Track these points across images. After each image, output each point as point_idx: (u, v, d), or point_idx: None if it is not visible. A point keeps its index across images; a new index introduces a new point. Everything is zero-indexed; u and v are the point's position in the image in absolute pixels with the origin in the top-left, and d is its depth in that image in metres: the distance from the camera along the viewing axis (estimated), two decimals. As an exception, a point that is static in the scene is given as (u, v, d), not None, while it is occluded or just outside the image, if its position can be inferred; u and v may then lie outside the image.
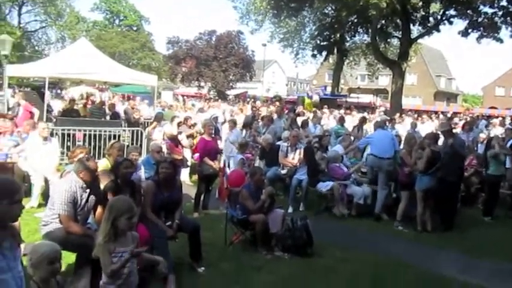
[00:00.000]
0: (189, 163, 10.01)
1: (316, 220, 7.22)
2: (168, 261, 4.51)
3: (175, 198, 5.10)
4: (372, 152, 8.17)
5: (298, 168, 8.28)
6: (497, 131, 13.78)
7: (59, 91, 30.76)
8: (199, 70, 42.69)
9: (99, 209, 4.53)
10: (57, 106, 15.92)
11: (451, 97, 60.04)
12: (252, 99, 34.43)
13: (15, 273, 2.21)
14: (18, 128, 8.23)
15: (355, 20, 30.08)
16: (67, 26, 52.10)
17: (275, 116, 12.57)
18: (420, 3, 25.56)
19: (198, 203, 7.57)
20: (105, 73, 12.92)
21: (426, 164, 7.08)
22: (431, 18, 26.74)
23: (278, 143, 9.37)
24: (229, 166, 8.79)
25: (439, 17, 26.36)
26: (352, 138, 10.58)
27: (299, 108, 19.97)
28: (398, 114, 19.31)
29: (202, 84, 44.46)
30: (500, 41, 24.81)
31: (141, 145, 10.86)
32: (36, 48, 52.33)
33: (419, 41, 30.35)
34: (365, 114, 19.74)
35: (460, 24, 31.78)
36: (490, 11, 24.38)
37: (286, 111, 16.83)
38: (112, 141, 7.86)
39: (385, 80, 49.62)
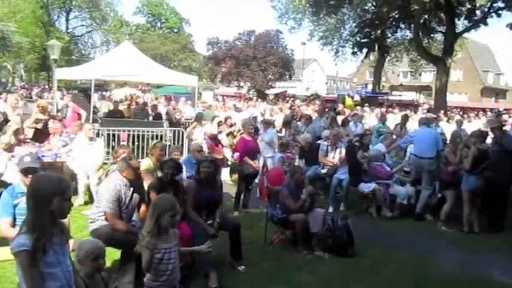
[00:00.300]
0: (229, 162, 10.10)
1: (357, 220, 7.11)
2: (209, 259, 4.60)
3: (216, 197, 5.16)
4: (413, 152, 7.96)
5: (339, 168, 8.17)
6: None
7: (104, 93, 31.83)
8: (238, 70, 42.93)
9: (142, 207, 4.65)
10: (105, 108, 16.43)
11: (499, 93, 57.45)
12: (292, 98, 34.31)
13: (64, 267, 2.30)
14: (67, 129, 8.58)
15: (397, 16, 29.32)
16: (111, 30, 53.93)
17: (315, 115, 12.45)
18: (466, -3, 24.66)
19: (239, 202, 7.63)
20: (148, 75, 13.25)
21: (472, 163, 6.82)
22: (477, 11, 25.66)
23: (318, 141, 9.28)
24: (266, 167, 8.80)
25: (486, 9, 25.26)
26: (394, 136, 10.34)
27: (339, 107, 19.72)
28: (443, 112, 18.69)
29: (241, 84, 44.71)
30: (553, 33, 23.51)
31: (182, 145, 11.06)
32: (83, 52, 54.44)
33: (464, 35, 29.18)
34: (407, 112, 19.24)
35: (509, 16, 30.32)
36: (541, 2, 23.15)
37: (327, 109, 16.66)
38: (154, 141, 8.05)
39: (428, 76, 48.12)
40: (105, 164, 7.95)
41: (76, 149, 7.60)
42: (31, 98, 26.31)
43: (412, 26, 27.44)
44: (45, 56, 39.82)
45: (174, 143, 11.17)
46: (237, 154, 8.46)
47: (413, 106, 29.72)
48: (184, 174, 6.49)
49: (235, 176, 8.69)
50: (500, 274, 5.29)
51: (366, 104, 24.73)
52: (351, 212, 7.51)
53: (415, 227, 7.19)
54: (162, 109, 15.59)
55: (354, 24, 33.79)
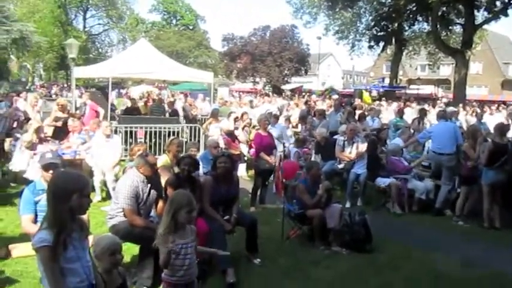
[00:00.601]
0: (245, 158, 10.12)
1: (375, 215, 7.06)
2: (226, 255, 4.62)
3: (232, 192, 5.18)
4: (431, 148, 7.85)
5: (356, 163, 8.11)
6: None
7: (121, 90, 32.15)
8: (254, 66, 42.90)
9: (160, 203, 4.70)
10: (124, 105, 16.53)
11: (521, 86, 56.19)
12: (308, 93, 34.15)
13: (84, 262, 2.34)
14: (86, 127, 8.70)
15: (414, 8, 28.89)
16: (127, 28, 54.48)
17: (330, 110, 12.38)
18: (486, -13, 24.15)
19: (255, 198, 7.64)
20: (164, 72, 13.35)
21: (488, 157, 6.70)
22: (498, 2, 25.11)
23: (335, 137, 9.23)
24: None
25: (506, 0, 24.69)
26: (412, 131, 10.22)
27: (356, 101, 19.57)
28: (462, 106, 18.39)
29: (257, 79, 44.67)
30: None
31: (198, 141, 11.13)
32: (100, 50, 55.10)
33: (484, 26, 28.59)
34: (425, 106, 18.97)
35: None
36: None
37: (343, 104, 16.55)
38: (171, 137, 8.11)
39: (447, 69, 47.30)
40: (122, 161, 8.04)
41: (94, 146, 7.70)
42: (50, 96, 26.78)
43: (430, 18, 27.01)
44: (64, 55, 40.44)
45: (190, 140, 11.24)
46: (253, 150, 8.47)
47: (432, 100, 29.29)
48: (201, 170, 6.53)
49: (252, 172, 8.70)
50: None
51: (383, 98, 24.49)
52: (368, 207, 7.45)
53: (434, 222, 7.10)
54: (180, 106, 15.69)
55: (370, 18, 33.42)
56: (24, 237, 4.80)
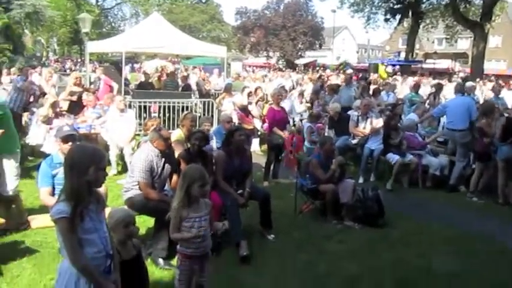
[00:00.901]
0: (259, 133, 10.13)
1: (388, 191, 7.07)
2: (239, 228, 4.69)
3: (246, 166, 5.20)
4: (445, 124, 7.75)
5: (370, 138, 8.06)
6: None
7: (135, 65, 32.14)
8: (267, 40, 42.48)
9: (174, 177, 4.76)
10: (140, 80, 16.51)
11: (541, 59, 54.69)
12: (322, 68, 33.77)
13: (101, 233, 2.40)
14: (100, 101, 8.77)
15: (433, -21, 28.09)
16: (140, 2, 54.02)
17: (343, 85, 12.23)
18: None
19: (268, 172, 7.67)
20: (177, 46, 13.26)
21: (503, 132, 6.60)
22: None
23: (349, 112, 9.16)
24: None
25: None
26: (427, 106, 10.08)
27: (371, 76, 19.31)
28: (479, 80, 18.02)
29: (270, 54, 44.25)
30: None
31: (212, 116, 11.14)
32: (113, 24, 54.96)
33: (505, -2, 27.75)
34: (442, 80, 18.64)
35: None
36: None
37: (357, 79, 16.35)
38: (185, 112, 8.12)
39: (465, 43, 46.18)
40: (137, 135, 8.12)
41: (109, 121, 7.77)
42: (65, 71, 26.94)
43: (449, -11, 26.24)
44: (77, 30, 40.46)
45: (204, 114, 11.25)
46: (266, 124, 8.46)
47: (448, 74, 28.76)
48: (214, 144, 6.56)
49: (265, 147, 8.72)
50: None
51: (398, 73, 24.11)
52: (381, 182, 7.43)
53: (448, 198, 7.07)
54: (194, 80, 15.66)
55: (387, -10, 32.60)
56: (43, 209, 4.92)
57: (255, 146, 9.62)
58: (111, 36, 21.86)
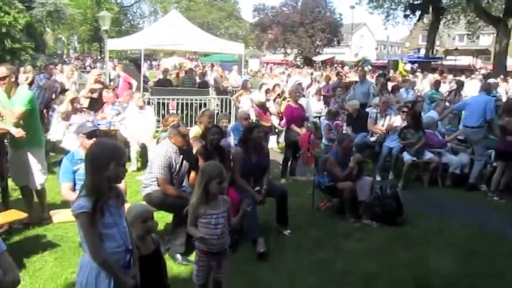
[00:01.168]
0: (276, 130, 10.11)
1: (407, 189, 6.99)
2: (256, 225, 4.70)
3: (263, 163, 5.20)
4: (463, 121, 7.69)
5: (388, 136, 7.98)
6: None
7: (153, 62, 32.40)
8: (285, 37, 42.31)
9: (192, 174, 4.78)
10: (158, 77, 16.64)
11: None
12: (340, 65, 33.51)
13: (121, 228, 2.43)
14: (119, 98, 8.87)
15: (454, -26, 27.54)
16: (158, 0, 54.39)
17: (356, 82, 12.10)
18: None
19: (286, 169, 7.66)
20: (195, 43, 13.34)
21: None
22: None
23: (367, 109, 9.08)
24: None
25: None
26: (447, 104, 9.92)
27: (390, 73, 19.08)
28: (502, 77, 17.64)
29: (288, 51, 44.08)
30: None
31: (229, 112, 11.17)
32: (132, 22, 55.50)
33: (530, -7, 27.01)
34: (462, 77, 18.29)
35: None
36: None
37: (375, 75, 16.17)
38: (203, 109, 8.16)
39: (487, 39, 45.18)
40: (156, 131, 8.19)
41: (128, 118, 7.86)
42: (85, 68, 27.31)
43: (471, -16, 25.71)
44: (97, 28, 40.98)
45: (221, 111, 11.30)
46: (283, 121, 8.44)
47: (469, 71, 28.22)
48: (232, 141, 6.58)
49: (283, 144, 8.71)
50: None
51: (418, 70, 23.77)
52: (399, 180, 7.35)
53: (468, 197, 6.95)
54: (209, 77, 15.71)
55: (407, -15, 32.10)
56: (64, 204, 5.01)
57: (273, 143, 9.61)
58: (130, 34, 22.10)
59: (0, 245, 2.09)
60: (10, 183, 5.16)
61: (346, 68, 29.02)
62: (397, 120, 8.05)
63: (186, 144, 4.70)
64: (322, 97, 11.85)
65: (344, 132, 8.35)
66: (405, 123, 7.86)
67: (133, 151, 7.67)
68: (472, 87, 12.28)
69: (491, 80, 12.14)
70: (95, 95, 8.78)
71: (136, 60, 15.46)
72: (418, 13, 31.95)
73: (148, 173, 4.70)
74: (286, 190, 5.35)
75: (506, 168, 6.88)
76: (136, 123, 7.72)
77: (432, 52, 33.95)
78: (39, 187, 5.16)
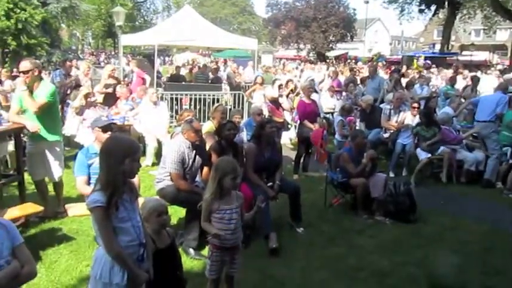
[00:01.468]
0: (289, 126, 10.09)
1: (421, 186, 6.93)
2: (269, 220, 4.71)
3: (276, 159, 5.21)
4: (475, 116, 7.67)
5: (401, 132, 7.90)
6: None
7: (166, 58, 32.50)
8: (298, 32, 42.03)
9: (205, 169, 4.81)
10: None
11: None
12: (353, 60, 33.26)
13: (134, 222, 2.45)
14: (133, 94, 8.93)
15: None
16: (172, -5, 54.58)
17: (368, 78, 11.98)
18: None
19: (298, 165, 7.65)
20: (209, 39, 13.35)
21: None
22: None
23: (381, 105, 9.01)
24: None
25: None
26: (462, 100, 9.79)
27: (404, 69, 18.87)
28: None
29: (301, 46, 43.85)
30: None
31: (242, 108, 11.17)
32: (145, 18, 55.73)
33: (549, -13, 26.48)
34: (478, 73, 18.00)
35: None
36: None
37: (389, 71, 16.01)
38: (216, 104, 8.18)
39: (504, 34, 44.44)
40: (169, 127, 8.24)
41: (142, 113, 7.92)
42: (99, 64, 27.53)
43: (488, -22, 25.28)
44: (111, 23, 41.26)
45: (234, 107, 11.31)
46: (296, 115, 8.43)
47: (485, 67, 27.77)
48: (245, 137, 6.59)
49: (295, 140, 8.69)
50: None
51: (433, 66, 23.46)
52: (412, 177, 7.29)
53: (484, 194, 6.87)
54: (222, 72, 15.72)
55: (422, -21, 31.69)
56: (79, 198, 5.08)
57: (285, 139, 9.59)
58: (143, 30, 22.21)
59: (18, 237, 2.13)
60: (26, 177, 5.25)
61: (359, 63, 28.80)
62: (408, 117, 7.95)
63: (199, 140, 4.72)
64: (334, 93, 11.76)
65: (357, 128, 8.31)
66: (416, 120, 7.78)
67: (151, 147, 7.72)
68: (488, 83, 12.07)
69: (507, 76, 11.93)
70: (110, 90, 8.85)
71: (150, 55, 15.55)
72: (433, 8, 31.58)
73: (161, 167, 4.73)
74: (299, 186, 5.35)
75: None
76: (150, 118, 7.77)
77: (447, 47, 33.51)
78: (57, 179, 5.25)
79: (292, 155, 7.91)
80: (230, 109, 9.39)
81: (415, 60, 26.25)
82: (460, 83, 12.78)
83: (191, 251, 4.36)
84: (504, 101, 7.45)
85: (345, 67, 21.86)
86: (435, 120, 7.58)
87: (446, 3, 30.82)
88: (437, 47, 34.91)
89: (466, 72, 18.29)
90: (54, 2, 22.95)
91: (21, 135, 5.22)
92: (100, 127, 4.49)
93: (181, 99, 11.48)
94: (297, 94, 9.65)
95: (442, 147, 7.29)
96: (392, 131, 8.18)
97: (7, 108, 7.78)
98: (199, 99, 11.41)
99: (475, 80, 11.40)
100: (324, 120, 7.87)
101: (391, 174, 7.49)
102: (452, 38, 38.15)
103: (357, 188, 5.61)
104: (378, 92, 10.34)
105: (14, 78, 11.02)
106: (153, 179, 5.27)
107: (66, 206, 4.96)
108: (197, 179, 4.90)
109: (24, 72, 4.82)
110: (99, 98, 8.29)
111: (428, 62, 26.34)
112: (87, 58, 33.41)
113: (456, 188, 7.13)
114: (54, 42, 24.12)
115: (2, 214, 4.00)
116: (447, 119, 7.86)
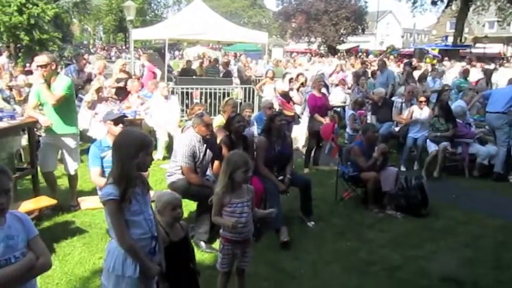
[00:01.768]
0: (300, 119, 10.05)
1: (433, 180, 6.88)
2: (280, 214, 4.71)
3: (286, 153, 5.20)
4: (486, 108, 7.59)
5: (411, 126, 7.82)
6: None
7: (176, 52, 32.53)
8: (309, 25, 41.77)
9: (216, 163, 4.82)
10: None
11: None
12: (364, 54, 33.00)
13: (146, 215, 2.47)
14: (144, 88, 8.96)
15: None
16: (182, -12, 54.56)
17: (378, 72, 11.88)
18: None
19: (309, 159, 7.64)
20: (219, 33, 13.32)
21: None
22: None
23: (393, 98, 8.94)
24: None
25: None
26: (475, 93, 9.66)
27: (415, 61, 18.66)
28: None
29: (312, 39, 43.59)
30: None
31: (253, 102, 11.17)
32: (156, 12, 55.77)
33: None
34: (492, 65, 17.76)
35: None
36: None
37: (401, 64, 15.88)
38: (226, 98, 8.18)
39: (519, 26, 43.73)
40: (180, 121, 8.27)
41: (153, 107, 7.95)
42: (110, 58, 27.67)
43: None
44: (122, 18, 41.40)
45: (244, 100, 11.31)
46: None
47: (499, 59, 27.34)
48: (256, 131, 6.59)
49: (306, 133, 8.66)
50: None
51: (446, 58, 23.18)
52: (426, 171, 7.23)
53: (496, 188, 6.80)
54: (233, 66, 15.71)
55: (435, -29, 31.21)
56: (92, 191, 5.13)
57: (296, 132, 9.56)
58: (154, 24, 22.23)
59: (33, 230, 2.16)
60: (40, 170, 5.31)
61: (370, 56, 28.57)
62: (416, 111, 7.85)
63: (209, 134, 4.73)
64: (346, 87, 11.71)
65: (368, 121, 8.26)
66: (423, 113, 7.69)
67: (162, 140, 7.77)
68: (504, 76, 11.92)
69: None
70: (122, 84, 8.90)
71: (161, 49, 15.58)
72: (446, 0, 31.06)
73: (172, 161, 4.75)
74: (309, 180, 5.34)
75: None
76: (161, 112, 7.81)
77: (460, 40, 33.02)
78: (72, 172, 5.32)
79: (303, 148, 7.89)
80: (240, 103, 9.39)
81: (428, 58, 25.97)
82: (474, 76, 12.62)
83: (202, 244, 4.39)
84: None
85: (356, 60, 21.68)
86: (453, 116, 7.45)
87: (459, -6, 30.37)
88: (450, 39, 34.39)
89: (478, 64, 18.01)
90: (65, -4, 23.12)
91: (35, 129, 5.28)
92: (112, 120, 4.52)
93: (191, 93, 11.50)
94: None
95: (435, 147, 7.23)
96: (402, 125, 8.12)
97: (21, 103, 7.89)
98: (210, 93, 11.42)
99: (488, 73, 11.25)
100: (335, 114, 7.82)
101: (402, 168, 7.45)
102: (466, 30, 37.55)
103: (367, 182, 5.59)
104: (386, 86, 10.25)
105: (27, 73, 11.10)
106: (164, 173, 5.30)
107: (79, 199, 5.02)
108: (208, 172, 4.92)
109: (42, 66, 4.89)
110: (111, 93, 8.35)
111: (438, 55, 26.06)
112: (98, 52, 33.56)
113: (468, 182, 7.07)
114: (66, 37, 24.28)
115: (17, 207, 4.05)
116: (462, 113, 7.76)
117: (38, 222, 4.64)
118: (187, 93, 11.40)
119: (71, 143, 5.21)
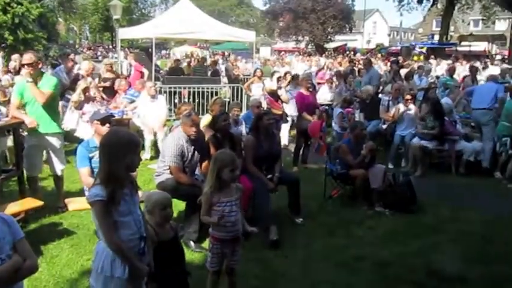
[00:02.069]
0: (288, 118, 10.07)
1: (420, 177, 6.94)
2: (269, 213, 4.72)
3: (274, 151, 5.21)
4: (471, 105, 7.79)
5: (399, 124, 7.88)
6: None
7: (164, 51, 32.36)
8: (296, 24, 41.87)
9: (205, 163, 4.81)
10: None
11: None
12: (352, 52, 33.17)
13: (135, 216, 2.45)
14: (131, 87, 8.88)
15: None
16: (169, -13, 54.26)
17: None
18: None
19: (297, 158, 7.66)
20: (206, 32, 13.26)
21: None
22: None
23: (380, 96, 9.00)
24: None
25: None
26: (461, 90, 9.78)
27: (402, 59, 18.83)
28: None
29: (300, 38, 43.70)
30: None
31: (241, 101, 11.16)
32: (143, 11, 55.41)
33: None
34: (477, 63, 17.98)
35: None
36: None
37: (388, 62, 16.01)
38: (214, 97, 8.16)
39: (503, 24, 44.26)
40: (168, 120, 8.22)
41: (140, 107, 7.90)
42: (97, 58, 27.42)
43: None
44: (108, 17, 40.99)
45: (232, 100, 11.29)
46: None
47: (484, 57, 27.69)
48: (244, 129, 6.58)
49: (294, 132, 8.69)
50: None
51: (432, 56, 23.42)
52: (412, 168, 7.29)
53: (483, 184, 6.88)
54: (221, 65, 15.69)
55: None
56: (79, 192, 5.08)
57: (284, 131, 9.58)
58: (141, 23, 22.08)
59: (19, 232, 2.13)
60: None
61: (358, 55, 28.74)
62: (401, 108, 7.88)
63: (197, 133, 4.72)
64: (334, 85, 11.75)
65: (356, 119, 8.30)
66: (409, 111, 7.75)
67: (148, 140, 7.73)
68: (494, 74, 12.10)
69: (504, 66, 11.93)
70: (108, 84, 8.83)
71: (148, 49, 15.48)
72: (432, -2, 31.39)
73: (160, 161, 4.73)
74: (298, 178, 5.35)
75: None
76: (148, 112, 7.76)
77: (446, 38, 33.38)
78: (59, 173, 5.26)
79: (291, 146, 7.91)
80: (229, 102, 9.38)
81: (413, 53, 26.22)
82: (459, 73, 12.78)
83: (192, 243, 4.38)
84: (502, 91, 7.64)
85: (344, 59, 21.78)
86: (443, 114, 7.49)
87: (445, -7, 30.68)
88: (436, 37, 34.75)
89: (464, 62, 18.22)
90: (50, -5, 22.86)
91: (20, 130, 5.20)
92: (99, 120, 4.48)
93: (180, 92, 11.45)
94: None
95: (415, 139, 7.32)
96: (389, 123, 8.18)
97: (5, 104, 7.77)
98: (198, 92, 11.39)
99: (473, 70, 11.38)
100: (324, 113, 7.84)
101: (390, 166, 7.50)
102: (451, 28, 38.00)
103: (356, 179, 5.62)
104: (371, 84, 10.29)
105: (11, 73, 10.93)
106: (152, 173, 5.27)
107: (66, 200, 4.96)
108: (197, 172, 4.90)
109: (29, 65, 4.83)
110: (99, 93, 8.26)
111: (425, 52, 26.32)
112: (84, 52, 33.24)
113: (455, 179, 7.15)
114: (52, 37, 24.04)
115: (3, 209, 4.00)
116: (449, 110, 7.83)
117: (25, 225, 4.57)
118: (175, 92, 11.34)
119: (55, 142, 5.15)
